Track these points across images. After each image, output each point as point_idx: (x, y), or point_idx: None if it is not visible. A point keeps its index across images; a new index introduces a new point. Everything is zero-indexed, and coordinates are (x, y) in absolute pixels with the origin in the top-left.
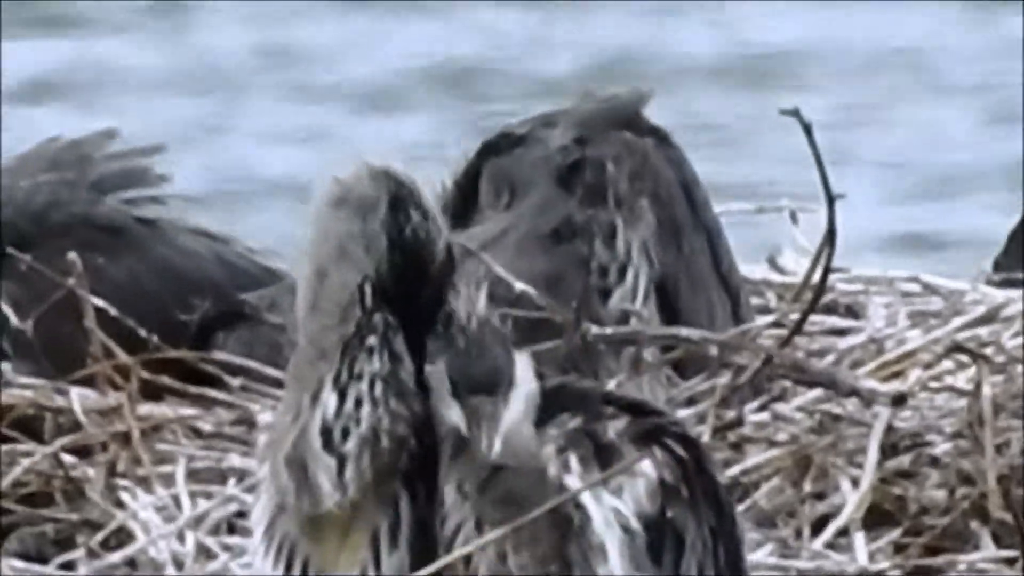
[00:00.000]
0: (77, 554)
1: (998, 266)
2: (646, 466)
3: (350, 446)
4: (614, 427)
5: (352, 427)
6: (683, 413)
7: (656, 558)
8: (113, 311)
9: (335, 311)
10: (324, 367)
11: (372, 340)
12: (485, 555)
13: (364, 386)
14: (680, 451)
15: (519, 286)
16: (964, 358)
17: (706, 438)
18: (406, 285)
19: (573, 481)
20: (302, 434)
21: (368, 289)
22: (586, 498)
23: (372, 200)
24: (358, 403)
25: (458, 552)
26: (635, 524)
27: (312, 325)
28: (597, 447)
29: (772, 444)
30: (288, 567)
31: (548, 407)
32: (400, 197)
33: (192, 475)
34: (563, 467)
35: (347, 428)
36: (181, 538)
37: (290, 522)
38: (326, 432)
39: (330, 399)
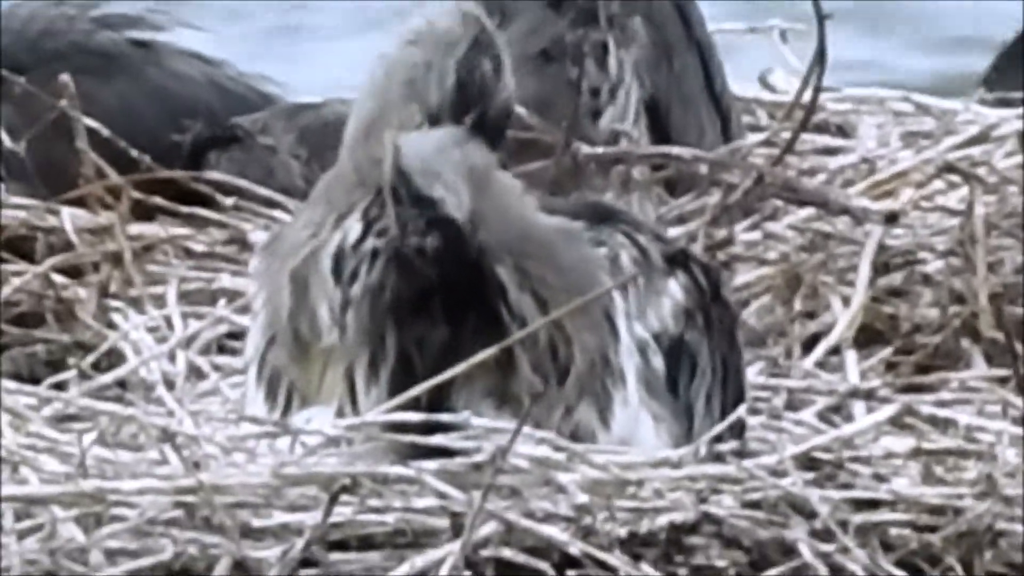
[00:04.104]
0: (68, 375)
1: (987, 81)
2: (673, 288)
3: (356, 291)
4: (648, 242)
5: (363, 270)
6: (673, 232)
7: (672, 381)
8: (106, 132)
9: None
10: (359, 196)
11: None
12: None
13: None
14: (701, 278)
15: None
16: (956, 178)
17: None
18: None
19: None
20: (314, 252)
21: None
22: (620, 320)
23: (455, 37)
24: (375, 253)
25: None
26: (657, 347)
27: (361, 152)
28: (641, 252)
29: (762, 263)
30: (273, 396)
31: (590, 218)
32: (481, 41)
33: (183, 296)
34: (613, 264)
35: (358, 270)
36: (172, 358)
37: (280, 351)
38: (339, 258)
39: (354, 226)
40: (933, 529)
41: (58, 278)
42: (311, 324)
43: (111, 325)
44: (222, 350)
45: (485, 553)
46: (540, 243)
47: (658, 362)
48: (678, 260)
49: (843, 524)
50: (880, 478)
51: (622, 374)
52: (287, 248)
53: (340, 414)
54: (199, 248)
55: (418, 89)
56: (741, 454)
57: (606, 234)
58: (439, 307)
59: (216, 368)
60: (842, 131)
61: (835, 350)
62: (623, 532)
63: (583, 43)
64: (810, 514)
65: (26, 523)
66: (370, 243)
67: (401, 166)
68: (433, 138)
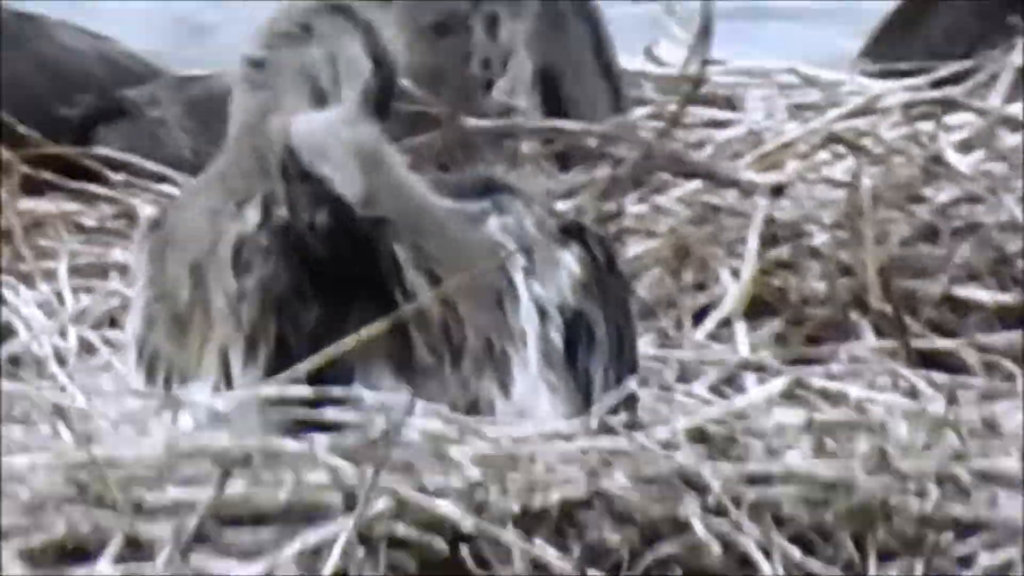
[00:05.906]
0: None
1: (867, 53)
2: (568, 260)
3: (250, 282)
4: (543, 214)
5: (258, 261)
6: (563, 205)
7: (570, 352)
8: None
9: None
10: (258, 185)
11: None
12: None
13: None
14: (597, 250)
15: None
16: (842, 149)
17: None
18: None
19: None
20: (213, 246)
21: None
22: (519, 281)
23: (341, 26)
24: (268, 251)
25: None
26: (556, 317)
27: (262, 140)
28: (538, 222)
29: (651, 235)
30: (153, 376)
31: (481, 193)
32: (364, 22)
33: (74, 270)
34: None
35: (253, 261)
36: (63, 333)
37: (159, 333)
38: (239, 248)
39: (252, 216)
40: (826, 504)
41: None
42: (206, 314)
43: (1, 300)
44: (114, 324)
45: (378, 529)
46: (436, 224)
47: (556, 332)
48: (573, 232)
49: (736, 499)
50: (773, 452)
51: (523, 337)
52: (184, 235)
53: (217, 390)
54: (89, 223)
55: (313, 76)
56: (633, 426)
57: (506, 201)
58: (328, 286)
59: (107, 342)
60: (729, 103)
61: (725, 322)
62: (516, 507)
63: (475, 14)
64: (703, 489)
65: None
66: (267, 234)
67: (290, 146)
68: (322, 118)
